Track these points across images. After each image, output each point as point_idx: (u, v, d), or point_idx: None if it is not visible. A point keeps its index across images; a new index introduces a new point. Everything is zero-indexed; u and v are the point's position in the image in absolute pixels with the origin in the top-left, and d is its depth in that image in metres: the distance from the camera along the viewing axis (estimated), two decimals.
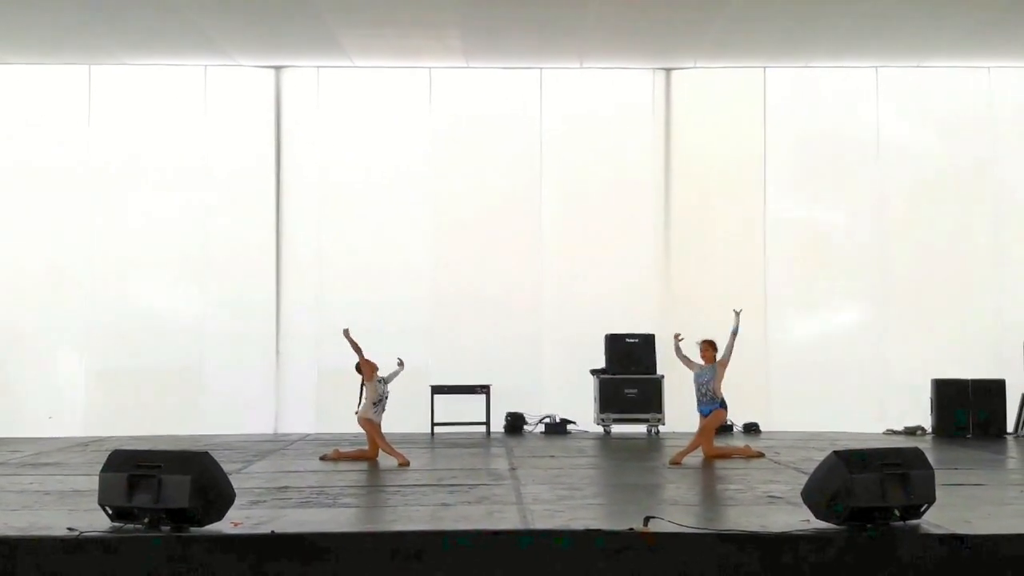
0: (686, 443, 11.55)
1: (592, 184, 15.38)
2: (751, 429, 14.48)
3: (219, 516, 7.04)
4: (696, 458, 11.30)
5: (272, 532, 6.86)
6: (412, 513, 8.00)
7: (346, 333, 11.21)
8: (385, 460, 11.20)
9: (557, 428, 14.48)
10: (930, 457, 7.37)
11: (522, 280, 15.23)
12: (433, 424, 14.30)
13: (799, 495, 7.39)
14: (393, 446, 11.24)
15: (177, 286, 15.14)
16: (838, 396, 14.74)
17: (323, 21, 13.23)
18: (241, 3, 12.85)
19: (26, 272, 14.96)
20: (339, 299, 14.98)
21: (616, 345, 14.54)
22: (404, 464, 10.90)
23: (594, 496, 9.08)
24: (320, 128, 15.35)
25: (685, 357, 11.65)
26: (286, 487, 9.33)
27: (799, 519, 7.18)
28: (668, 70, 15.42)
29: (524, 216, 15.33)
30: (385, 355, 11.57)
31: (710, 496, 9.32)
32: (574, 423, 14.59)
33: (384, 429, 11.42)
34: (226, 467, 7.71)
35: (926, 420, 14.32)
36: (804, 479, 7.53)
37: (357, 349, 11.27)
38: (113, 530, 6.88)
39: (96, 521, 7.04)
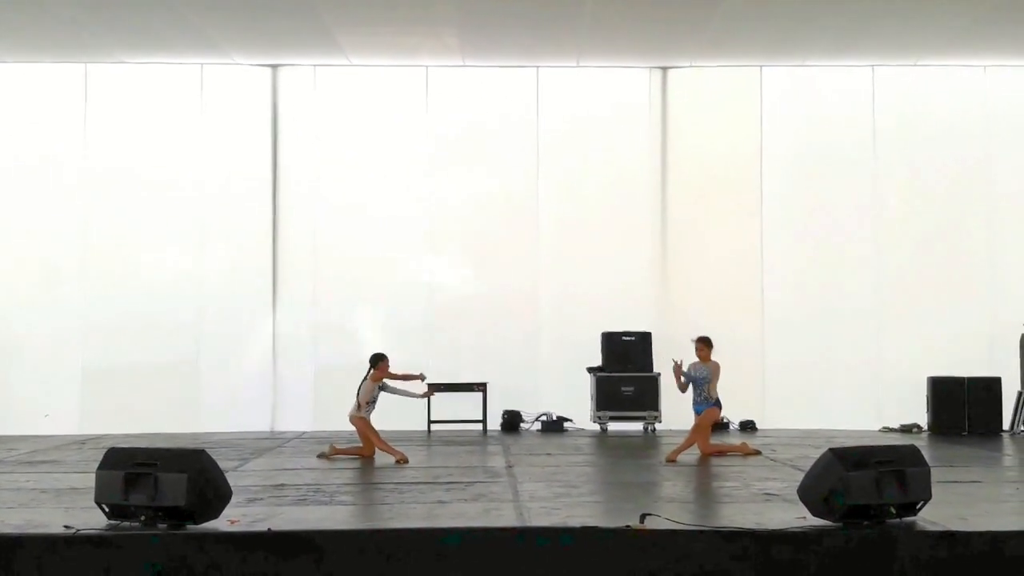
0: (682, 440, 11.56)
1: (589, 182, 15.41)
2: (747, 427, 14.51)
3: (216, 514, 7.03)
4: (692, 455, 11.30)
5: (269, 530, 6.86)
6: (408, 511, 7.99)
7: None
8: (382, 457, 11.20)
9: (554, 426, 14.49)
10: (926, 454, 7.39)
11: (518, 278, 15.24)
12: (430, 422, 14.31)
13: (795, 492, 7.40)
14: (390, 443, 11.25)
15: (173, 284, 15.10)
16: (834, 394, 14.77)
17: (320, 19, 13.23)
18: (238, 1, 12.86)
19: (22, 270, 14.96)
20: (335, 297, 15.05)
21: (612, 343, 14.54)
22: (402, 461, 10.90)
23: (591, 493, 9.08)
24: (317, 126, 15.36)
25: (687, 380, 11.54)
26: (283, 485, 9.33)
27: (795, 516, 7.19)
28: (664, 69, 15.44)
29: (521, 214, 15.34)
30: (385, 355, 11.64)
31: (706, 493, 9.32)
32: (571, 421, 14.61)
33: (380, 426, 11.44)
34: (223, 465, 7.70)
35: (922, 418, 14.35)
36: (800, 476, 7.53)
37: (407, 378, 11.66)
38: (110, 528, 6.87)
39: (92, 519, 7.03)
